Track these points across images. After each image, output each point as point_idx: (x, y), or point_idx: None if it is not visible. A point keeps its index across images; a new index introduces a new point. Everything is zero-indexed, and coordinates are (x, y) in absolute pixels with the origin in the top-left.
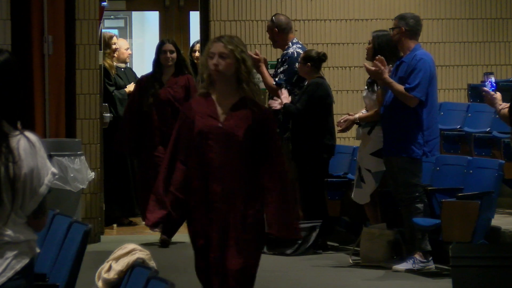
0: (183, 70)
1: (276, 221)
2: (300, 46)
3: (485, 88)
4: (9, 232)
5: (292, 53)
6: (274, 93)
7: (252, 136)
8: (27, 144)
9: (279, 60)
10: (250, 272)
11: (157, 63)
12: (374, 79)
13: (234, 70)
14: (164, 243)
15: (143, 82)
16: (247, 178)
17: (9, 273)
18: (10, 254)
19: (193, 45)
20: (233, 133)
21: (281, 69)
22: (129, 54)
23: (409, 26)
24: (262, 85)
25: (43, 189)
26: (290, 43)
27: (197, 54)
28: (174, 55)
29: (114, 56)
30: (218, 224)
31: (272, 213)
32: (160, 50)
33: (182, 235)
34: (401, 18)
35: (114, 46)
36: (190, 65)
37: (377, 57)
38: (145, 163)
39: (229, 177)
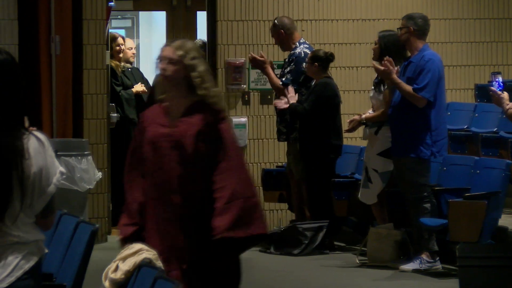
0: None
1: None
2: (307, 46)
3: (492, 88)
4: (18, 232)
5: (300, 53)
6: (281, 93)
7: (204, 141)
8: (36, 143)
9: (286, 60)
10: None
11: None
12: (382, 79)
13: (183, 76)
14: None
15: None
16: (203, 185)
17: (18, 273)
18: (19, 254)
19: None
20: (182, 139)
21: (288, 69)
22: (133, 54)
23: (417, 26)
24: (268, 85)
25: (51, 188)
26: (297, 43)
27: None
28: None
29: (120, 57)
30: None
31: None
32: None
33: None
34: (409, 18)
35: (118, 48)
36: None
37: (385, 58)
38: None
39: (186, 185)
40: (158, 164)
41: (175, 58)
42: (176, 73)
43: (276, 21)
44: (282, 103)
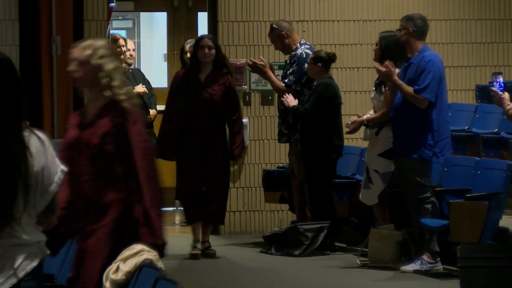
0: (222, 68)
1: None
2: (308, 46)
3: (493, 88)
4: (21, 233)
5: (301, 54)
6: (284, 94)
7: (112, 143)
8: (37, 142)
9: (287, 61)
10: None
11: (194, 59)
12: (383, 81)
13: (92, 76)
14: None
15: (178, 79)
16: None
17: (20, 274)
18: (21, 256)
19: (183, 46)
20: (89, 142)
21: (290, 70)
22: (130, 55)
23: (416, 27)
24: (269, 86)
25: (53, 187)
26: (297, 44)
27: (188, 55)
28: (213, 51)
29: (121, 58)
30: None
31: None
32: (197, 46)
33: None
34: (408, 19)
35: (119, 49)
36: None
37: (386, 61)
38: (183, 167)
39: (89, 189)
40: (71, 168)
41: (82, 58)
42: (84, 75)
43: (274, 25)
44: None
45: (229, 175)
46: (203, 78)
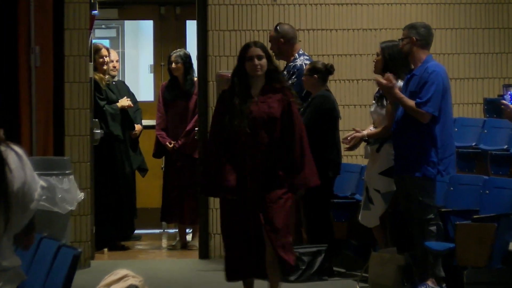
0: (276, 80)
1: None
2: (308, 57)
3: (504, 102)
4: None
5: (301, 65)
6: None
7: None
8: (15, 157)
9: (285, 72)
10: None
11: (239, 72)
12: (384, 94)
13: None
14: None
15: (226, 99)
16: None
17: None
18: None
19: (170, 56)
20: None
21: (289, 82)
22: (113, 67)
23: (420, 36)
24: None
25: (34, 205)
26: (296, 55)
27: (173, 65)
28: (264, 61)
29: (104, 69)
30: None
31: None
32: (244, 56)
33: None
34: (411, 27)
35: (101, 60)
36: (170, 79)
37: (386, 74)
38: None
39: None
40: None
41: None
42: None
43: (278, 27)
44: None
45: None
46: (256, 94)
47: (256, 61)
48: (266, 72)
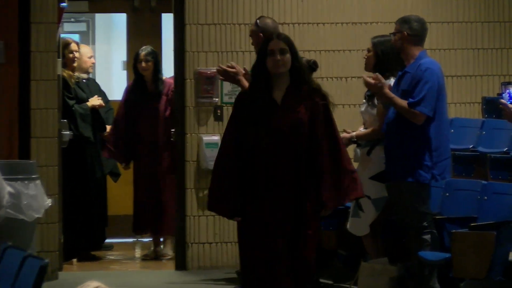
0: (303, 80)
1: None
2: None
3: (503, 101)
4: None
5: None
6: None
7: None
8: None
9: None
10: None
11: (260, 70)
12: (373, 94)
13: None
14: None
15: (244, 102)
16: None
17: None
18: None
19: (138, 54)
20: None
21: None
22: (93, 63)
23: (413, 31)
24: None
25: (2, 212)
26: None
27: (143, 64)
28: (288, 56)
29: (73, 66)
30: None
31: None
32: (265, 51)
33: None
34: (403, 21)
35: (71, 55)
36: (135, 78)
37: (374, 74)
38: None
39: None
40: None
41: None
42: None
43: (258, 21)
44: None
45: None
46: (279, 96)
47: (278, 56)
48: (290, 70)
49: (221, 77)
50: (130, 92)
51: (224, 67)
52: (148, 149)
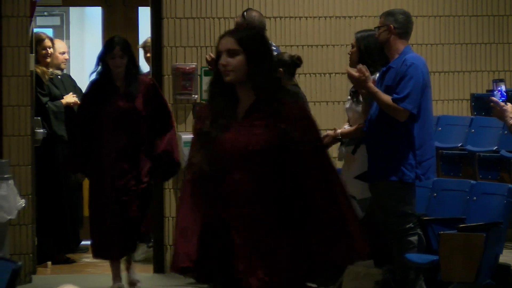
0: (268, 93)
1: None
2: (275, 48)
3: (493, 98)
4: None
5: None
6: None
7: None
8: None
9: None
10: None
11: (217, 77)
12: (356, 88)
13: None
14: None
15: (202, 118)
16: None
17: None
18: None
19: (112, 48)
20: None
21: None
22: (65, 59)
23: (398, 24)
24: None
25: None
26: None
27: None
28: (239, 59)
29: (47, 61)
30: None
31: None
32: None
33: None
34: (388, 14)
35: (44, 51)
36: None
37: (359, 66)
38: None
39: None
40: None
41: None
42: None
43: (245, 13)
44: None
45: None
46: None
47: (224, 59)
48: (250, 77)
49: (210, 67)
50: (95, 91)
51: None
52: None
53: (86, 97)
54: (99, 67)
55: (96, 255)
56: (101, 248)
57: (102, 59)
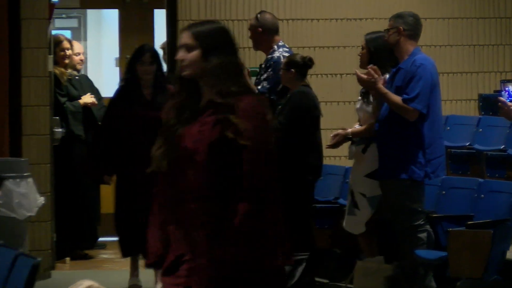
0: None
1: None
2: (287, 50)
3: (501, 98)
4: None
5: (278, 57)
6: None
7: None
8: None
9: (262, 65)
10: None
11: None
12: (366, 89)
13: None
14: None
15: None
16: None
17: None
18: None
19: (142, 54)
20: None
21: (265, 75)
22: (81, 60)
23: (408, 25)
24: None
25: None
26: (275, 46)
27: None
28: (195, 54)
29: (65, 63)
30: None
31: None
32: None
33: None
34: (398, 16)
35: (62, 53)
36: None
37: (369, 66)
38: None
39: None
40: None
41: None
42: None
43: (258, 15)
44: None
45: None
46: None
47: (180, 54)
48: (205, 73)
49: None
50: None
51: None
52: None
53: (112, 102)
54: (128, 74)
55: (125, 254)
56: (134, 246)
57: (131, 66)
